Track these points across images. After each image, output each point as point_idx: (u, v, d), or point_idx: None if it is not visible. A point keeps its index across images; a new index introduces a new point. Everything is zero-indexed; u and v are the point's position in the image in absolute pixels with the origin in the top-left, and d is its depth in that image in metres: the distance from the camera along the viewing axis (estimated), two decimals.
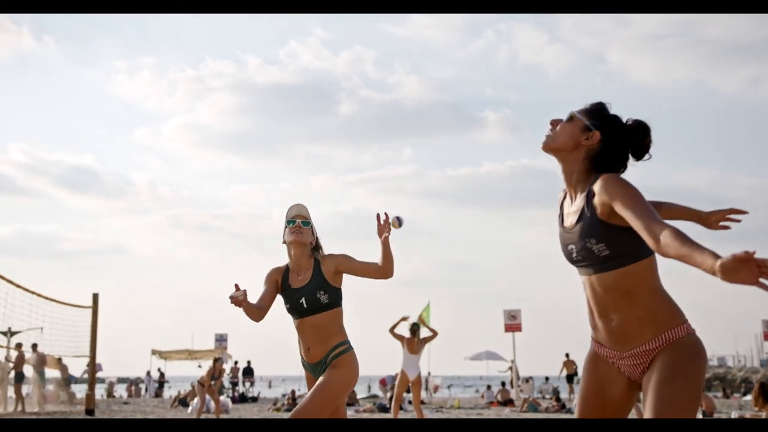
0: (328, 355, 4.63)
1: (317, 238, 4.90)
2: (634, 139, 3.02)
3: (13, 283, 14.60)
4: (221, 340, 34.27)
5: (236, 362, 33.69)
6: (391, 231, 4.62)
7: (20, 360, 21.54)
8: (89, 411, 18.33)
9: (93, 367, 19.16)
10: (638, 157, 3.04)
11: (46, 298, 17.01)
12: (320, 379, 4.56)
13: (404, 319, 12.14)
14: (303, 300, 4.62)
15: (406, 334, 12.18)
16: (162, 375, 38.13)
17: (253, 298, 4.54)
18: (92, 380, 19.08)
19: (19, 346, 20.84)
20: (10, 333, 19.70)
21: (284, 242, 4.82)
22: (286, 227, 4.80)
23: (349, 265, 4.69)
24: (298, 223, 4.76)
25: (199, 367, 33.81)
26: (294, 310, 4.68)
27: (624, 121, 3.05)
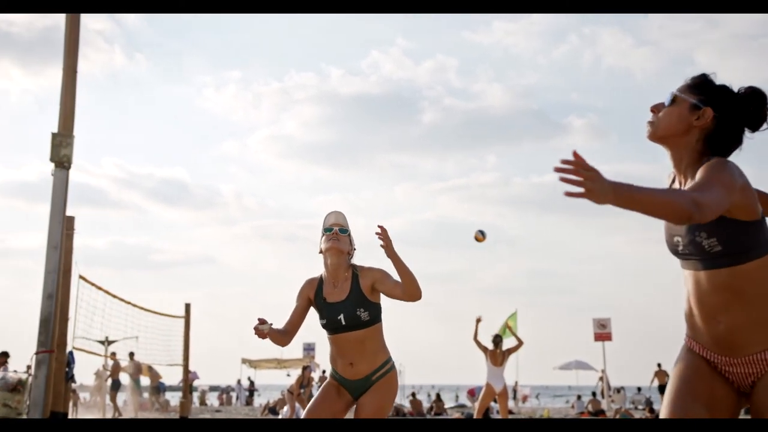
0: (374, 373, 4.48)
1: (354, 249, 4.67)
2: (751, 110, 2.67)
3: (110, 293, 15.06)
4: (309, 349, 34.63)
5: (324, 371, 33.98)
6: (389, 241, 4.27)
7: (116, 368, 22.25)
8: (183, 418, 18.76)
9: (186, 375, 19.61)
10: (755, 128, 2.70)
11: (141, 308, 17.49)
12: (373, 401, 4.43)
13: (479, 320, 11.97)
14: (342, 317, 4.41)
15: (489, 345, 12.06)
16: (252, 383, 38.74)
17: (282, 316, 4.46)
18: (186, 388, 19.53)
19: (113, 355, 21.51)
20: (107, 342, 20.33)
21: (320, 251, 4.60)
22: (322, 236, 4.59)
23: (384, 283, 4.43)
24: (335, 231, 4.53)
25: (288, 375, 34.25)
26: (331, 326, 4.47)
27: (736, 91, 2.70)
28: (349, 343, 4.44)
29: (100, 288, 14.36)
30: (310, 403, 4.51)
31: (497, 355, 11.95)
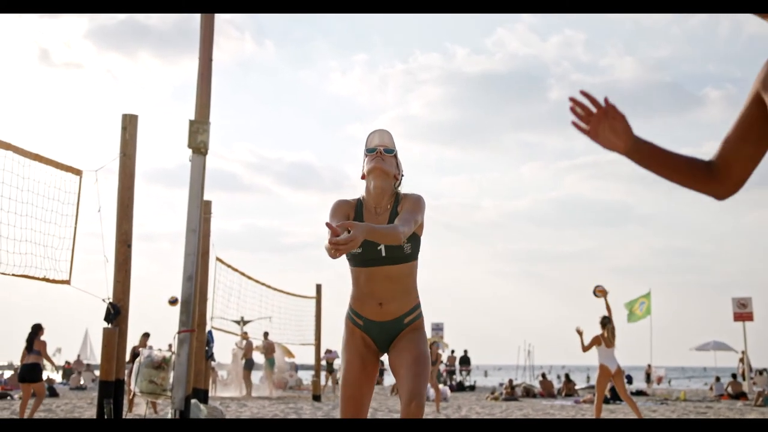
0: (407, 315, 3.95)
1: (402, 174, 4.07)
2: None
3: (245, 274, 15.57)
4: (437, 329, 34.80)
5: (453, 351, 34.12)
6: (347, 246, 3.25)
7: (249, 348, 23.00)
8: (316, 397, 19.21)
9: (318, 354, 20.05)
10: None
11: (274, 289, 17.99)
12: (412, 347, 3.87)
13: (580, 333, 11.68)
14: (381, 247, 3.80)
15: (597, 329, 11.73)
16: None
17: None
18: (317, 367, 19.97)
19: (245, 334, 22.24)
20: (242, 322, 21.04)
21: (363, 176, 4.03)
22: (364, 158, 4.02)
23: (402, 211, 3.84)
24: (380, 150, 3.95)
25: None
26: (366, 257, 3.85)
27: None
28: (385, 279, 3.87)
29: (235, 270, 14.86)
30: (345, 372, 3.95)
31: (607, 336, 11.66)
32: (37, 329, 12.00)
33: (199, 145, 6.71)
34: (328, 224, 3.27)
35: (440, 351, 23.55)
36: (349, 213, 3.95)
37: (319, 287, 19.41)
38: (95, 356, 47.90)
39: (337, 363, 34.99)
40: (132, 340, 14.79)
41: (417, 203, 3.88)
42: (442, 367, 30.42)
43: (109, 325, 6.79)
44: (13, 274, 6.45)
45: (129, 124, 7.12)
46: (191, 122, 6.75)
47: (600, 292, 11.86)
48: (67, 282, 7.07)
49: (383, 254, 3.81)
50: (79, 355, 40.12)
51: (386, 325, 3.94)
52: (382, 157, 3.94)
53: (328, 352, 25.91)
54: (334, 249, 3.23)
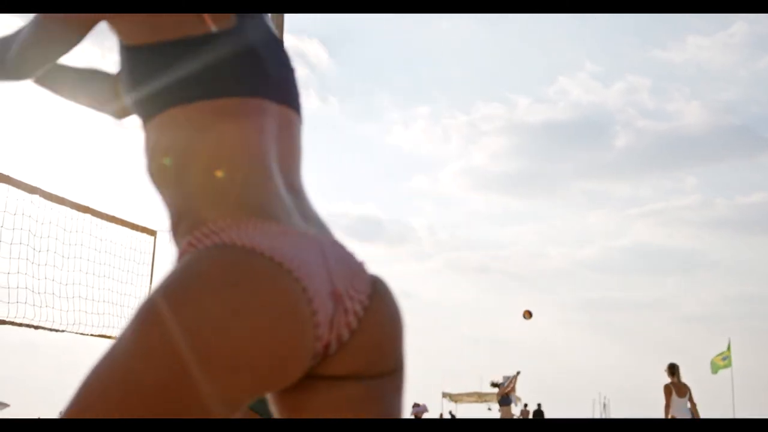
0: None
1: None
2: None
3: None
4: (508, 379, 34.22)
5: (526, 405, 33.43)
6: None
7: None
8: None
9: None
10: None
11: None
12: None
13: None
14: None
15: (666, 378, 11.23)
16: (453, 417, 38.74)
17: None
18: None
19: None
20: None
21: None
22: None
23: None
24: None
25: (489, 410, 33.99)
26: None
27: None
28: None
29: None
30: None
31: (678, 384, 11.15)
32: None
33: None
34: None
35: (514, 407, 23.08)
36: None
37: None
38: None
39: (426, 416, 34.64)
40: None
41: None
42: (517, 411, 29.79)
43: None
44: (91, 334, 6.57)
45: None
46: None
47: (527, 313, 11.56)
48: None
49: None
50: None
51: None
52: None
53: (416, 405, 25.68)
54: None
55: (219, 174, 1.29)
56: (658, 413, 11.20)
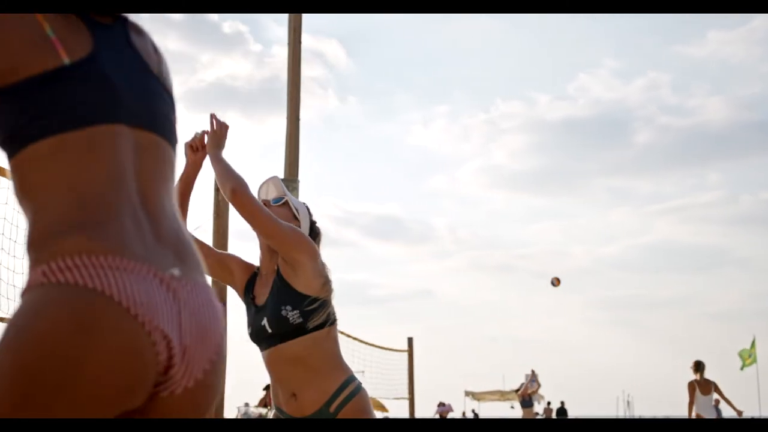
0: (330, 402, 2.98)
1: (313, 220, 3.36)
2: None
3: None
4: (532, 381, 34.14)
5: (549, 403, 33.34)
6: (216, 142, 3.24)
7: None
8: None
9: (412, 408, 19.89)
10: None
11: (366, 343, 18.00)
12: None
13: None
14: (265, 321, 3.02)
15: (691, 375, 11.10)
16: (476, 416, 38.71)
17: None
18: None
19: None
20: None
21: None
22: None
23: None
24: (266, 203, 3.32)
25: (512, 408, 33.92)
26: (254, 336, 3.11)
27: None
28: (284, 363, 3.03)
29: None
30: None
31: (702, 382, 10.98)
32: None
33: None
34: (212, 114, 3.25)
35: (536, 405, 23.01)
36: (243, 277, 3.24)
37: (410, 340, 19.30)
38: None
39: (451, 416, 34.70)
40: (236, 392, 14.94)
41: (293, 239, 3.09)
42: (540, 409, 29.70)
43: None
44: None
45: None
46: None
47: (556, 280, 11.40)
48: None
49: (269, 330, 3.00)
50: None
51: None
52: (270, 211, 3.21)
53: (441, 405, 25.67)
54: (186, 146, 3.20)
55: (74, 206, 1.33)
56: (683, 411, 11.12)
